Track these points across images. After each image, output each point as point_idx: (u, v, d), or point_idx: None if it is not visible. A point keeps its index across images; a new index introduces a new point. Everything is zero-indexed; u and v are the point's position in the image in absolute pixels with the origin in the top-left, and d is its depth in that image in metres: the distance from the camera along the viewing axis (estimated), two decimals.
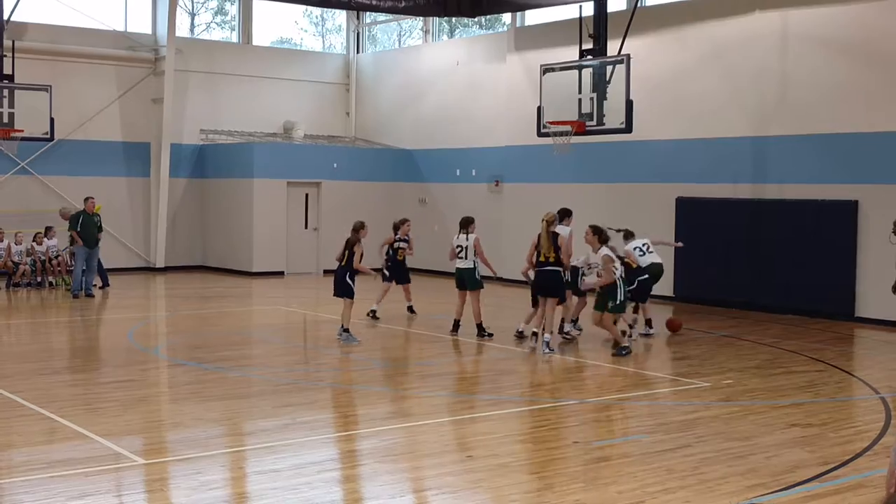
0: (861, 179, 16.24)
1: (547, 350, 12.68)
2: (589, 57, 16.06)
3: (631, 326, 13.95)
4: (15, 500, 6.66)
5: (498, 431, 8.67)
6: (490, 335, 13.98)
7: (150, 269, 23.89)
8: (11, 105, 19.52)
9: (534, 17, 22.35)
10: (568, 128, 15.83)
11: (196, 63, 24.49)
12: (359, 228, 13.59)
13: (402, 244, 16.13)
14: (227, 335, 14.63)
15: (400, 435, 8.62)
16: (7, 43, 19.65)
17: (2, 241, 20.21)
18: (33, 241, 20.38)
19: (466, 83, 23.67)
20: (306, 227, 24.33)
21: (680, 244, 15.94)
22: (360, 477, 7.51)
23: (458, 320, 14.37)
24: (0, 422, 8.79)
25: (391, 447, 8.22)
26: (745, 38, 17.89)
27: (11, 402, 9.54)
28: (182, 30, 24.85)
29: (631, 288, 13.52)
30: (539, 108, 16.50)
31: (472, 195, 22.95)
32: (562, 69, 16.42)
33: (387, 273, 15.97)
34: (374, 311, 15.63)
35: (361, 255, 13.38)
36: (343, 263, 13.48)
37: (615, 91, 15.47)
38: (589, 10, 16.90)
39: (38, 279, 20.27)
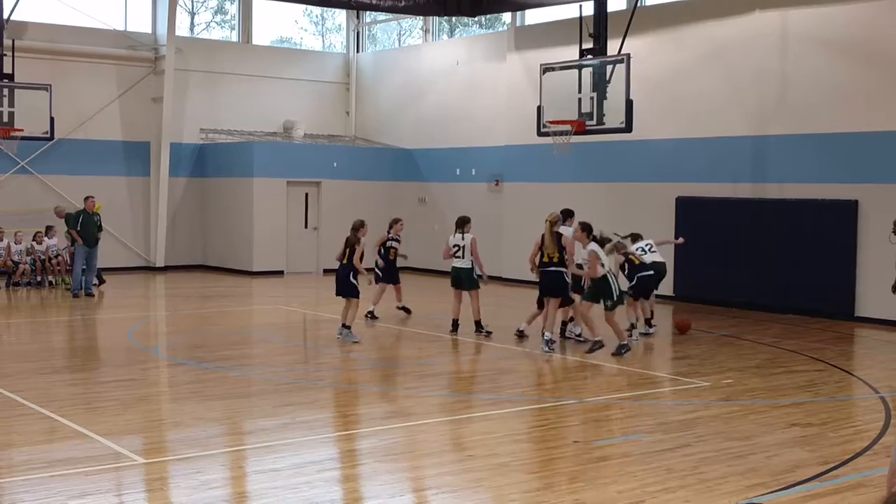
0: (861, 179, 16.24)
1: (547, 349, 12.72)
2: (589, 56, 16.06)
3: (633, 326, 13.97)
4: (15, 499, 6.66)
5: (498, 431, 8.66)
6: (489, 333, 14.03)
7: (150, 269, 23.89)
8: (11, 104, 19.51)
9: (534, 16, 22.35)
10: (568, 127, 15.83)
11: (196, 62, 24.49)
12: (358, 227, 13.66)
13: (394, 243, 16.14)
14: (227, 334, 14.63)
15: (399, 434, 8.62)
16: (7, 42, 19.64)
17: (1, 240, 20.22)
18: (33, 240, 20.38)
19: (466, 82, 23.67)
20: (306, 226, 24.33)
21: (681, 240, 15.93)
22: (360, 476, 7.51)
23: (457, 320, 14.38)
24: (0, 421, 8.79)
25: (391, 447, 8.22)
26: (745, 38, 17.89)
27: (11, 401, 9.54)
28: (182, 29, 24.85)
29: (632, 284, 13.83)
30: (539, 108, 16.50)
31: (471, 195, 22.95)
32: (562, 69, 16.42)
33: (379, 273, 15.95)
34: (371, 312, 15.63)
35: (362, 255, 13.45)
36: (344, 262, 13.52)
37: (615, 90, 15.47)
38: (589, 9, 16.90)
39: (38, 278, 20.27)
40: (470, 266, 14.28)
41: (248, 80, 25.21)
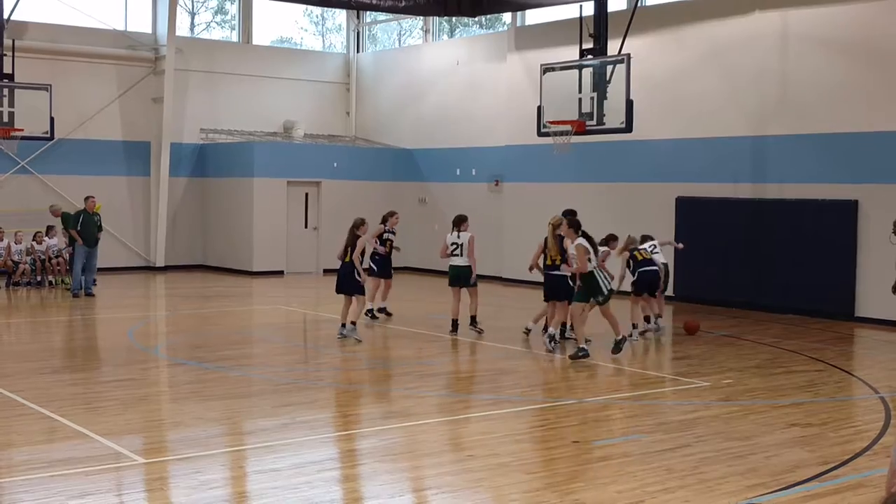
0: (861, 179, 16.24)
1: (550, 343, 12.88)
2: (589, 56, 16.06)
3: (634, 326, 13.99)
4: (15, 499, 6.66)
5: (497, 431, 8.66)
6: (480, 331, 14.14)
7: (151, 269, 23.89)
8: (11, 104, 19.51)
9: (534, 16, 22.35)
10: (568, 127, 15.83)
11: (196, 62, 24.49)
12: (359, 225, 13.76)
13: (390, 236, 16.12)
14: (227, 334, 14.63)
15: (399, 434, 8.61)
16: (7, 42, 19.64)
17: (2, 240, 20.22)
18: (33, 240, 20.38)
19: (467, 83, 23.67)
20: (306, 226, 24.33)
21: (680, 245, 15.91)
22: (360, 476, 7.51)
23: (456, 320, 14.39)
24: (0, 421, 8.79)
25: (391, 447, 8.22)
26: (745, 38, 17.90)
27: (11, 401, 9.54)
28: (182, 29, 24.85)
29: (633, 280, 14.04)
30: (539, 108, 16.49)
31: (472, 195, 22.95)
32: (562, 69, 16.42)
33: (374, 268, 15.85)
34: (371, 311, 15.61)
35: (363, 252, 13.53)
36: (347, 260, 13.57)
37: (615, 91, 15.47)
38: (589, 9, 16.90)
39: (38, 278, 20.27)
40: (468, 264, 14.33)
41: (249, 80, 25.21)
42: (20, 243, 20.28)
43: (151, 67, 23.94)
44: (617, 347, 12.54)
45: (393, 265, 16.33)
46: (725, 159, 18.18)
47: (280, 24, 27.45)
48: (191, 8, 26.39)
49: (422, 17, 25.12)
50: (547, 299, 13.42)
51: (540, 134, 16.72)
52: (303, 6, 25.79)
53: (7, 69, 19.50)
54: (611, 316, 12.63)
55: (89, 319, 16.51)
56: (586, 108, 15.80)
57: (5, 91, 19.45)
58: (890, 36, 15.98)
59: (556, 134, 16.08)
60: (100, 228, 19.30)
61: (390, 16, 26.26)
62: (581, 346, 12.27)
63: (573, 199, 17.98)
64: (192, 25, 26.41)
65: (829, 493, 6.99)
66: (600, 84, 15.71)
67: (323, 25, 28.35)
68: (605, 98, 15.66)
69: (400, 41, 27.62)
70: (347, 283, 13.66)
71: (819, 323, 16.06)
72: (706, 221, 18.16)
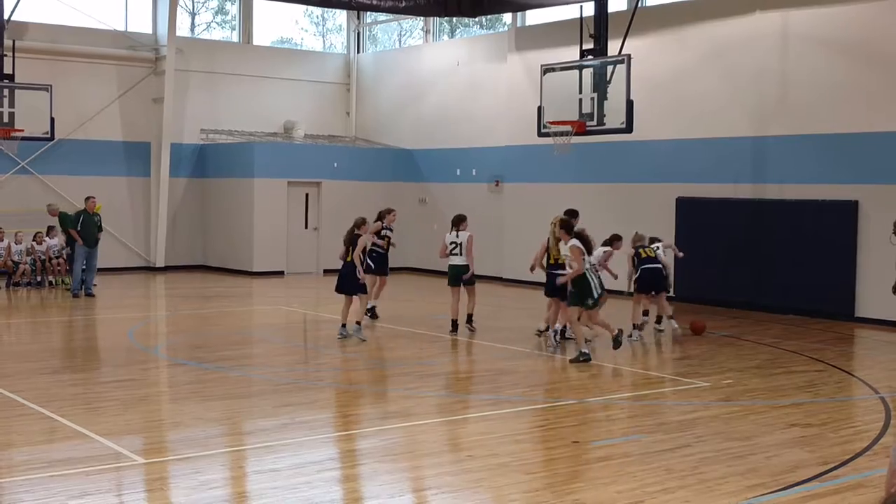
0: (861, 179, 16.24)
1: (554, 338, 13.04)
2: (589, 57, 16.06)
3: (635, 326, 13.99)
4: (15, 499, 6.66)
5: (497, 431, 8.66)
6: (473, 330, 14.29)
7: (151, 269, 23.90)
8: (12, 105, 19.53)
9: (534, 17, 22.35)
10: (568, 128, 15.83)
11: (196, 63, 24.49)
12: (360, 224, 13.85)
13: (387, 233, 16.11)
14: (227, 335, 14.63)
15: (399, 435, 8.61)
16: (7, 42, 19.65)
17: (2, 240, 20.22)
18: (33, 240, 20.38)
19: (467, 83, 23.67)
20: (306, 226, 24.33)
21: (682, 254, 15.72)
22: (360, 476, 7.51)
23: (456, 320, 14.41)
24: (0, 421, 8.79)
25: (391, 447, 8.22)
26: (746, 39, 17.89)
27: (12, 401, 9.54)
28: (182, 29, 24.85)
29: (636, 277, 14.12)
30: (539, 108, 16.50)
31: (472, 195, 22.95)
32: (562, 69, 16.42)
33: (371, 265, 15.81)
34: (371, 310, 15.59)
35: (365, 250, 13.62)
36: (349, 260, 13.61)
37: (616, 91, 15.48)
38: (589, 10, 16.91)
39: (38, 279, 20.27)
40: (467, 263, 14.37)
41: (249, 81, 25.22)
42: (20, 244, 20.28)
43: (152, 68, 23.95)
44: (616, 343, 12.51)
45: (391, 265, 16.32)
46: (726, 160, 18.18)
47: (280, 25, 27.47)
48: (191, 8, 26.40)
49: (422, 18, 25.12)
50: (548, 296, 13.46)
51: (540, 134, 16.73)
52: (303, 6, 25.79)
53: (7, 69, 19.51)
54: (600, 321, 12.57)
55: (89, 319, 16.51)
56: (587, 109, 15.81)
57: (5, 91, 19.46)
58: (890, 36, 15.98)
59: (556, 134, 16.08)
60: (100, 229, 19.30)
61: (390, 16, 26.26)
62: (582, 349, 12.25)
63: (573, 199, 17.97)
64: (193, 26, 26.42)
65: (829, 493, 6.99)
66: (600, 84, 15.71)
67: (323, 26, 28.35)
68: (606, 98, 15.67)
69: (400, 41, 27.62)
70: (348, 282, 13.69)
71: (819, 323, 16.06)
72: (706, 222, 18.16)
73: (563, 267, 12.90)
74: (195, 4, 26.55)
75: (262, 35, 26.38)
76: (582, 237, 12.39)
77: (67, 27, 22.94)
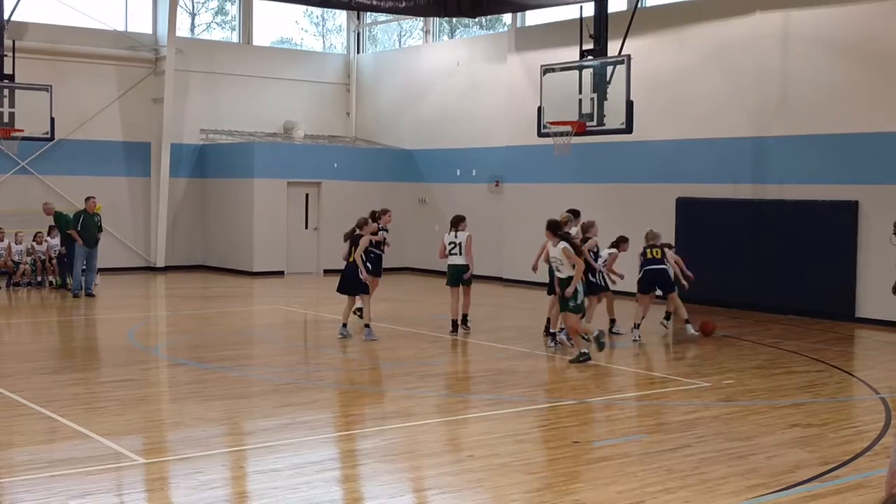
0: (861, 180, 16.24)
1: (552, 344, 13.04)
2: (589, 57, 16.07)
3: (636, 326, 13.98)
4: (16, 499, 6.66)
5: (498, 431, 8.66)
6: (468, 329, 14.34)
7: (151, 269, 23.90)
8: (12, 105, 19.54)
9: (534, 17, 22.35)
10: (568, 128, 15.83)
11: (196, 63, 24.49)
12: (362, 224, 13.92)
13: (383, 233, 16.10)
14: (227, 335, 14.63)
15: (400, 435, 8.61)
16: (7, 43, 19.66)
17: (2, 240, 20.21)
18: (33, 240, 20.38)
19: (467, 83, 23.67)
20: (306, 227, 24.33)
21: (685, 284, 15.41)
22: (360, 476, 7.51)
23: (456, 320, 14.43)
24: (1, 421, 8.80)
25: (391, 447, 8.22)
26: (746, 39, 17.89)
27: (12, 401, 9.54)
28: (182, 30, 24.86)
29: (639, 277, 14.28)
30: (539, 109, 16.50)
31: (472, 195, 22.95)
32: (562, 69, 16.43)
33: (369, 266, 15.76)
34: (359, 311, 15.51)
35: (366, 249, 13.68)
36: (351, 260, 13.65)
37: (615, 91, 15.48)
38: (589, 10, 16.91)
39: (39, 278, 20.27)
40: (467, 262, 14.39)
41: (249, 81, 25.22)
42: (20, 244, 20.28)
43: (152, 68, 23.95)
44: (598, 343, 12.42)
45: (385, 265, 16.30)
46: (726, 160, 18.18)
47: (280, 25, 27.49)
48: (191, 9, 26.41)
49: (422, 18, 25.13)
50: (550, 293, 13.47)
51: (540, 135, 16.73)
52: (303, 7, 25.80)
53: (7, 70, 19.51)
54: (574, 326, 12.23)
55: (89, 319, 16.51)
56: (586, 109, 15.81)
57: (6, 91, 19.46)
58: (891, 37, 15.98)
59: (556, 135, 16.08)
60: (100, 229, 19.29)
61: (390, 16, 26.26)
62: (582, 349, 12.24)
63: (573, 199, 17.98)
64: (193, 26, 26.43)
65: (829, 493, 6.99)
66: (600, 85, 15.72)
67: (323, 26, 28.36)
68: (606, 99, 15.67)
69: (400, 42, 27.62)
70: (349, 282, 13.70)
71: (819, 323, 16.06)
72: (707, 222, 18.16)
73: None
74: (195, 5, 26.56)
75: (262, 35, 26.40)
76: (570, 241, 12.27)
77: (67, 27, 22.93)
